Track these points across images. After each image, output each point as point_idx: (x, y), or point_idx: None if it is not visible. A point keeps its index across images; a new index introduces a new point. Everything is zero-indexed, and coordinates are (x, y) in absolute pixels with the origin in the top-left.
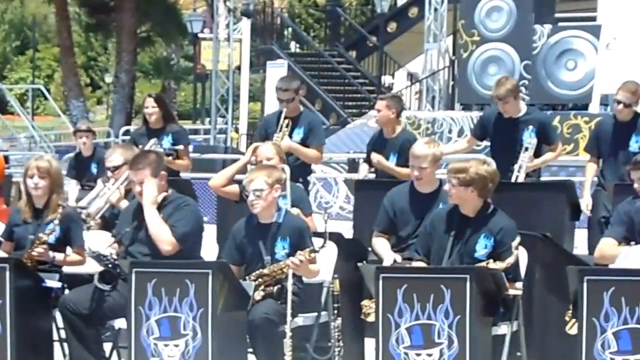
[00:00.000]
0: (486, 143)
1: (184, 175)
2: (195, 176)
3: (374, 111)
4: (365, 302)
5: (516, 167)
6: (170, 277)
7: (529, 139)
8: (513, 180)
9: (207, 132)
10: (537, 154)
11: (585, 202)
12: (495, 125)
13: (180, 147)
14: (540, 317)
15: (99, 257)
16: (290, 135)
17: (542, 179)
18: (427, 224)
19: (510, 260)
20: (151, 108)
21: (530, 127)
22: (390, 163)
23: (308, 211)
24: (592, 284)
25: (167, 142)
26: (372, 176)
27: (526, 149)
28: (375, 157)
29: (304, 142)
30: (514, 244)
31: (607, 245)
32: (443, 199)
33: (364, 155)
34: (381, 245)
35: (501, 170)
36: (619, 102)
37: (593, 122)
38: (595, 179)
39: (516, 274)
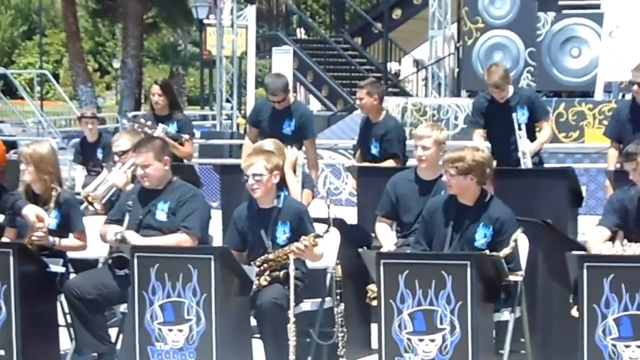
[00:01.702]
0: None
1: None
2: (202, 162)
3: None
4: (370, 287)
5: (520, 154)
6: (173, 262)
7: (521, 116)
8: (523, 167)
9: (215, 117)
10: (533, 134)
11: (610, 191)
12: (490, 111)
13: (186, 136)
14: (543, 304)
15: (123, 240)
16: (281, 128)
17: (548, 165)
18: (424, 213)
19: (506, 251)
20: (157, 96)
21: (521, 105)
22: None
23: (308, 186)
24: (592, 270)
25: (172, 129)
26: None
27: (519, 127)
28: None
29: (295, 134)
30: (514, 236)
31: (594, 240)
32: (444, 186)
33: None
34: (383, 232)
35: (502, 154)
36: (633, 84)
37: (597, 109)
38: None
39: (516, 264)
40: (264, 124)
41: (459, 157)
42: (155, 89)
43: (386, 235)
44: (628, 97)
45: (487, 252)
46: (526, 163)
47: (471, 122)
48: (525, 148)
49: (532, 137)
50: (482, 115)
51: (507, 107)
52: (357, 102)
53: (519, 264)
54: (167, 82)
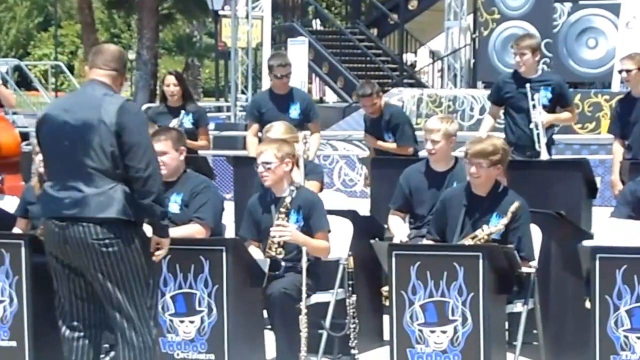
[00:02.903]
0: None
1: (202, 152)
2: (216, 153)
3: (395, 89)
4: (385, 288)
5: (532, 125)
6: (185, 253)
7: (543, 97)
8: (535, 138)
9: (229, 109)
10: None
11: (615, 185)
12: (510, 85)
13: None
14: (556, 295)
15: None
16: (287, 112)
17: (562, 156)
18: (438, 204)
19: (504, 221)
20: (172, 86)
21: (547, 87)
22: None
23: (315, 177)
24: (605, 261)
25: (187, 121)
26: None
27: (534, 106)
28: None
29: (301, 118)
30: (512, 208)
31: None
32: (457, 178)
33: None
34: (395, 224)
35: (520, 131)
36: (621, 72)
37: (614, 100)
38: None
39: (529, 252)
40: (268, 115)
41: (494, 150)
42: (171, 79)
43: (399, 228)
44: None
45: (485, 226)
46: (539, 135)
47: (489, 98)
48: (537, 118)
49: None
50: (500, 89)
51: (530, 83)
52: (369, 108)
53: (531, 253)
54: (180, 73)
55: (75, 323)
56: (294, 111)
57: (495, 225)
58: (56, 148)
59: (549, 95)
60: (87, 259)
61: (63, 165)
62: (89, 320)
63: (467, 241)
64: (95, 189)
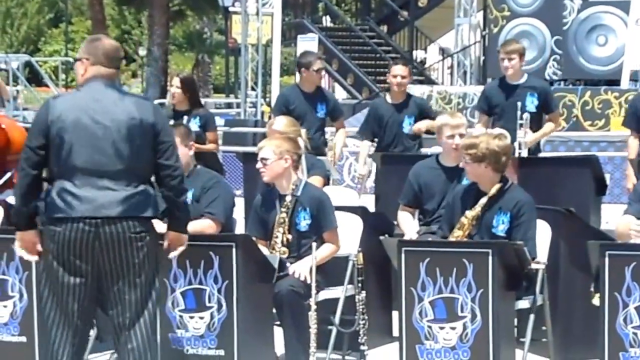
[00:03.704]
0: None
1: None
2: (225, 149)
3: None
4: None
5: (516, 144)
6: (194, 249)
7: (530, 104)
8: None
9: (239, 105)
10: (538, 125)
11: (631, 181)
12: (498, 93)
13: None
14: (565, 292)
15: None
16: (315, 112)
17: (572, 153)
18: (449, 200)
19: (481, 203)
20: (175, 88)
21: (533, 92)
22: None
23: (317, 172)
24: (614, 258)
25: (194, 124)
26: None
27: (520, 125)
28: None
29: (327, 117)
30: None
31: (623, 224)
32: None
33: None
34: (405, 220)
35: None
36: None
37: (623, 98)
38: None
39: (531, 249)
40: (297, 111)
41: (473, 144)
42: (176, 81)
43: (408, 224)
44: None
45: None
46: (521, 154)
47: (477, 108)
48: (522, 139)
49: (538, 126)
50: (488, 98)
51: (516, 90)
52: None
53: (534, 249)
54: (190, 78)
55: (67, 331)
56: (322, 111)
57: (474, 209)
58: (80, 148)
59: (536, 102)
60: (119, 255)
61: (91, 164)
62: (81, 325)
63: (456, 232)
64: (130, 187)
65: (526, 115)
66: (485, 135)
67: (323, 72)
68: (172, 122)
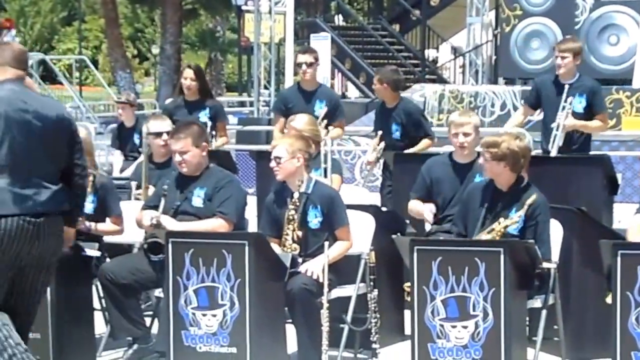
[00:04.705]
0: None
1: (225, 147)
2: (238, 148)
3: (417, 85)
4: (408, 284)
5: (554, 125)
6: (207, 247)
7: (578, 104)
8: (552, 139)
9: (252, 104)
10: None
11: None
12: (549, 90)
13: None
14: (577, 291)
15: (159, 226)
16: (312, 108)
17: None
18: (464, 196)
19: (519, 214)
20: (190, 80)
21: (581, 92)
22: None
23: (336, 171)
24: (626, 258)
25: (204, 115)
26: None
27: (563, 107)
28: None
29: (325, 116)
30: (529, 201)
31: (634, 229)
32: (479, 170)
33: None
34: (417, 204)
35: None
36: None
37: (635, 97)
38: None
39: (546, 251)
40: (294, 110)
41: (495, 143)
42: (189, 72)
43: (421, 205)
44: None
45: (502, 219)
46: (556, 137)
47: (525, 99)
48: (562, 120)
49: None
50: (539, 93)
51: (566, 90)
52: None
53: (548, 250)
54: (199, 67)
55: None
56: (319, 109)
57: (511, 219)
58: (18, 146)
59: (584, 103)
60: (49, 249)
61: (27, 162)
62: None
63: (484, 235)
64: (54, 184)
65: (571, 99)
66: (507, 135)
67: (308, 67)
68: (185, 114)
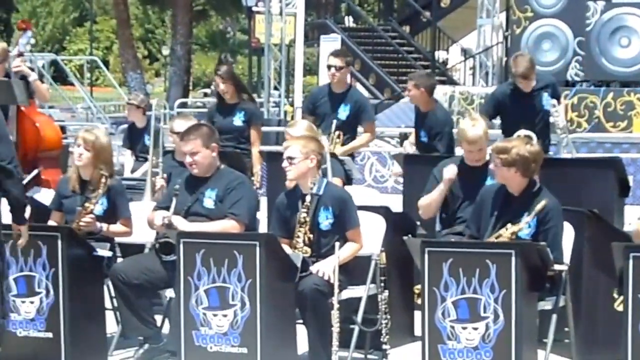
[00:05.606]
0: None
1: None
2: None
3: None
4: (418, 286)
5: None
6: (219, 248)
7: (546, 102)
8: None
9: (262, 105)
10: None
11: None
12: (513, 99)
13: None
14: (588, 293)
15: (170, 226)
16: (336, 111)
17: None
18: (478, 199)
19: (526, 220)
20: (221, 85)
21: (545, 92)
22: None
23: (337, 174)
24: (638, 260)
25: (238, 119)
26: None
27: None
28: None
29: (349, 119)
30: (538, 206)
31: None
32: (491, 173)
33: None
34: (427, 195)
35: None
36: None
37: None
38: None
39: (558, 255)
40: (320, 110)
41: (505, 149)
42: (217, 79)
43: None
44: None
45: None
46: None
47: (480, 109)
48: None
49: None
50: (500, 104)
51: (531, 95)
52: (406, 92)
53: (560, 255)
54: (229, 70)
55: None
56: (343, 112)
57: (518, 224)
58: None
59: (549, 98)
60: None
61: None
62: None
63: (492, 240)
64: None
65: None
66: (517, 140)
67: (337, 71)
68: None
